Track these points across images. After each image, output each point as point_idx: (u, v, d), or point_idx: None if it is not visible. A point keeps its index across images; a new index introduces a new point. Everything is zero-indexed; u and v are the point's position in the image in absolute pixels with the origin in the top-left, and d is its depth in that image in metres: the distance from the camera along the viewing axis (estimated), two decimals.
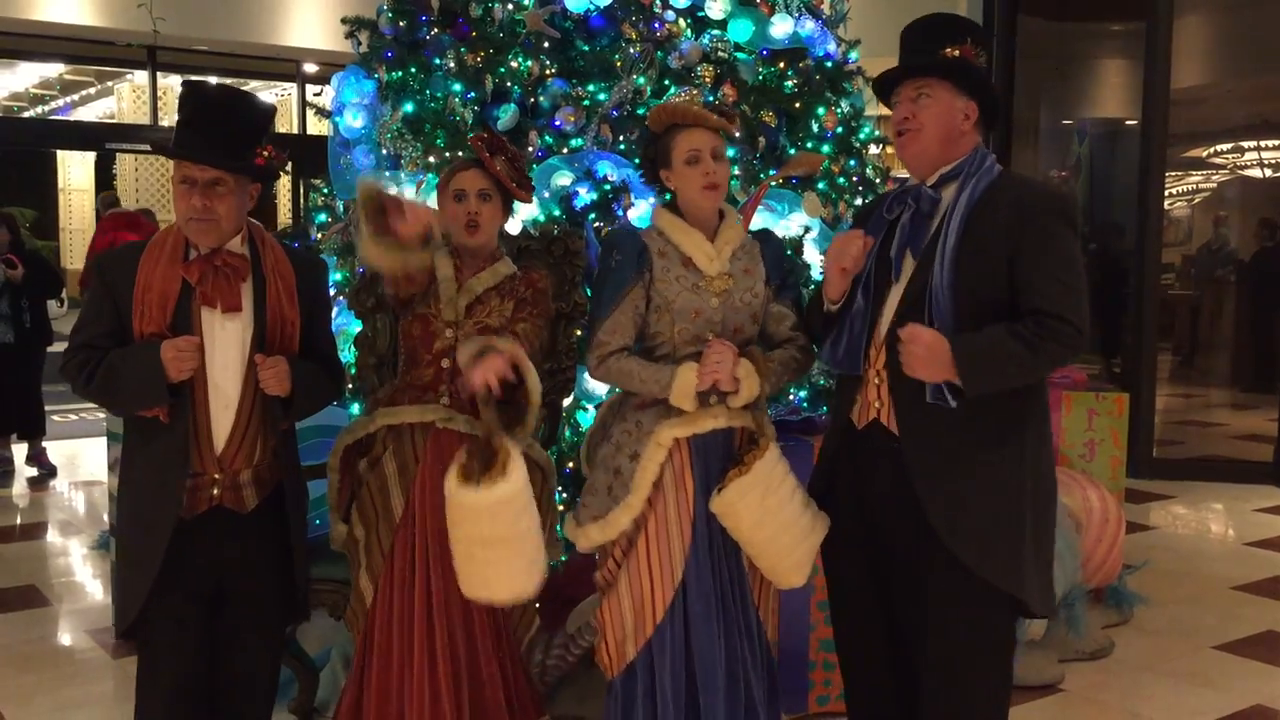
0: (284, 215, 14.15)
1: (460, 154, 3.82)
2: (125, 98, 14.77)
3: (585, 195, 3.85)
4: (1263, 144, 9.07)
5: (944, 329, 2.34)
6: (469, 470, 2.49)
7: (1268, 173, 9.14)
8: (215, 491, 2.57)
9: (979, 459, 2.40)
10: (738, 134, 2.71)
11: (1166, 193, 7.70)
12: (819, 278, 4.04)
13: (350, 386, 4.00)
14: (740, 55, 4.19)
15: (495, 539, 2.50)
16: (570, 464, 3.58)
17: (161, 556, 2.51)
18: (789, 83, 4.26)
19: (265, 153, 2.92)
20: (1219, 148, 9.25)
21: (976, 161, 2.47)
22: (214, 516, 2.57)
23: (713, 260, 2.65)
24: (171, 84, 13.81)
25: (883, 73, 2.57)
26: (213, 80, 13.26)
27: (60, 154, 17.74)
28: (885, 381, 2.47)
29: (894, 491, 2.47)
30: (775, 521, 2.57)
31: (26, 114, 15.93)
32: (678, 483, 2.65)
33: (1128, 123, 8.37)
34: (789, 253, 2.86)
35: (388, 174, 4.15)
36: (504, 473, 2.47)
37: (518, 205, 3.77)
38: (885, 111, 5.03)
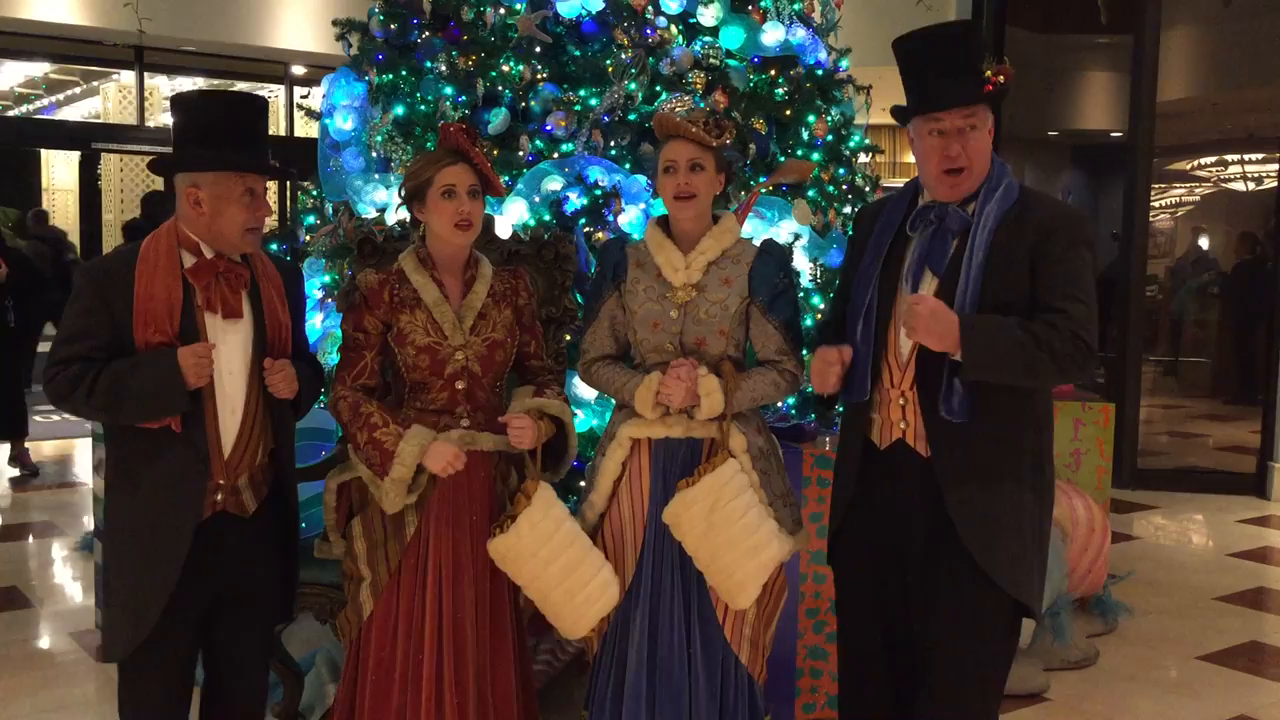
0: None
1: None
2: (111, 97, 14.69)
3: (576, 200, 3.85)
4: (1246, 158, 9.14)
5: None
6: (500, 524, 2.66)
7: (1251, 186, 9.20)
8: (219, 497, 2.55)
9: (1005, 477, 2.42)
10: (715, 144, 2.67)
11: (1151, 205, 7.76)
12: (809, 284, 4.05)
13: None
14: (731, 62, 4.19)
15: (550, 569, 2.62)
16: None
17: (178, 573, 2.48)
18: (780, 90, 4.26)
19: None
20: (1203, 161, 9.32)
21: (996, 175, 2.45)
22: (217, 522, 2.55)
23: (678, 272, 2.70)
24: (158, 84, 13.73)
25: (938, 100, 2.39)
26: (200, 83, 13.23)
27: (45, 153, 17.63)
28: (911, 402, 2.45)
29: (918, 509, 2.47)
30: (721, 537, 2.57)
31: (11, 113, 15.83)
32: (633, 484, 2.73)
33: (1113, 134, 8.42)
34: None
35: (377, 176, 4.14)
36: (514, 519, 2.62)
37: (506, 207, 3.79)
38: (875, 120, 5.03)
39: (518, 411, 2.70)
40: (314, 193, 4.64)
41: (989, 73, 2.40)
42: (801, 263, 4.06)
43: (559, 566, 2.62)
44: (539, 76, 4.05)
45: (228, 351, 2.52)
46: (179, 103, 2.60)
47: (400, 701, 2.67)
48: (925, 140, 2.43)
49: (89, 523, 5.80)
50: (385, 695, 2.68)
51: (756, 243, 2.80)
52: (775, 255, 2.75)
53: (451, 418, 2.70)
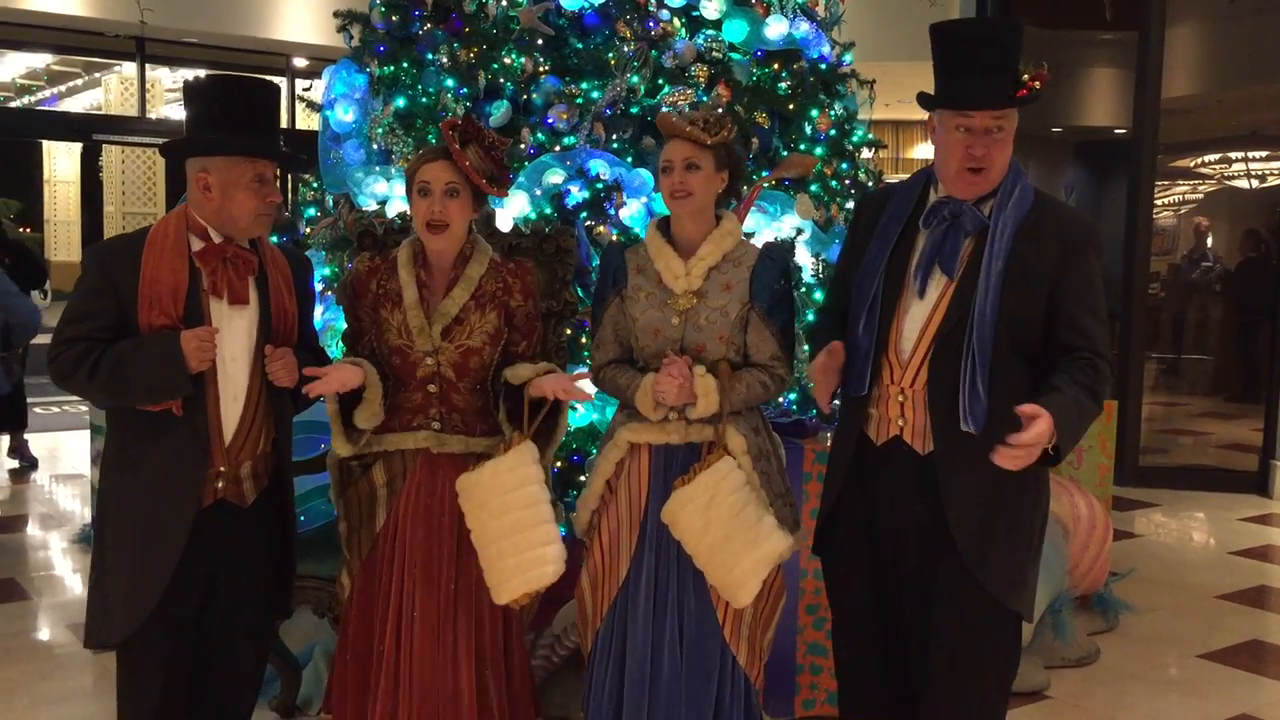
0: None
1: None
2: (113, 89, 14.70)
3: (577, 194, 3.84)
4: (1250, 155, 9.11)
5: (982, 355, 2.32)
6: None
7: (1254, 184, 9.17)
8: (219, 485, 2.54)
9: (1005, 484, 2.37)
10: (711, 142, 2.63)
11: (1154, 202, 7.74)
12: (810, 280, 4.03)
13: None
14: (735, 56, 4.18)
15: (496, 521, 2.55)
16: (558, 463, 3.56)
17: (177, 558, 2.46)
18: (783, 84, 4.25)
19: None
20: (1207, 158, 9.28)
21: (1012, 178, 2.41)
22: (216, 511, 2.54)
23: (679, 279, 2.68)
24: (160, 76, 13.70)
25: (973, 98, 2.34)
26: (202, 75, 13.25)
27: (46, 145, 17.63)
28: (912, 400, 2.42)
29: (914, 507, 2.44)
30: (719, 532, 2.56)
31: (13, 104, 15.83)
32: (631, 485, 2.72)
33: (1117, 131, 8.40)
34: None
35: (378, 169, 4.13)
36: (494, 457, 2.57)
37: (507, 201, 3.77)
38: (878, 115, 5.00)
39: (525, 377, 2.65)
40: (314, 185, 4.63)
41: (1026, 76, 2.34)
42: (804, 258, 4.04)
43: (505, 523, 2.55)
44: (541, 69, 4.03)
45: (231, 337, 2.51)
46: (191, 88, 2.59)
47: (371, 685, 2.68)
48: (950, 134, 2.38)
49: (88, 515, 5.79)
50: (360, 675, 2.70)
51: (758, 243, 2.78)
52: (777, 260, 2.72)
53: (425, 418, 2.69)
